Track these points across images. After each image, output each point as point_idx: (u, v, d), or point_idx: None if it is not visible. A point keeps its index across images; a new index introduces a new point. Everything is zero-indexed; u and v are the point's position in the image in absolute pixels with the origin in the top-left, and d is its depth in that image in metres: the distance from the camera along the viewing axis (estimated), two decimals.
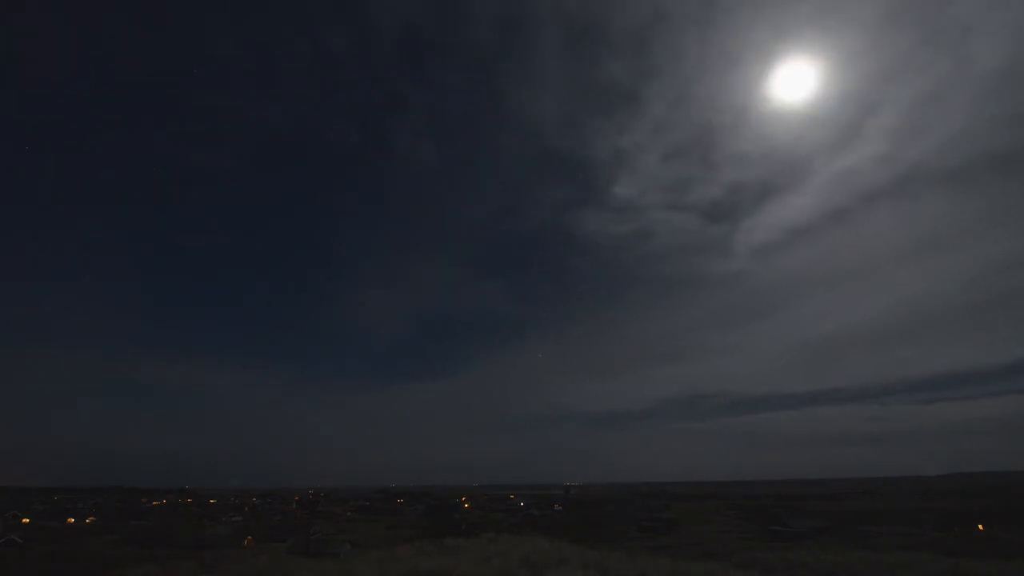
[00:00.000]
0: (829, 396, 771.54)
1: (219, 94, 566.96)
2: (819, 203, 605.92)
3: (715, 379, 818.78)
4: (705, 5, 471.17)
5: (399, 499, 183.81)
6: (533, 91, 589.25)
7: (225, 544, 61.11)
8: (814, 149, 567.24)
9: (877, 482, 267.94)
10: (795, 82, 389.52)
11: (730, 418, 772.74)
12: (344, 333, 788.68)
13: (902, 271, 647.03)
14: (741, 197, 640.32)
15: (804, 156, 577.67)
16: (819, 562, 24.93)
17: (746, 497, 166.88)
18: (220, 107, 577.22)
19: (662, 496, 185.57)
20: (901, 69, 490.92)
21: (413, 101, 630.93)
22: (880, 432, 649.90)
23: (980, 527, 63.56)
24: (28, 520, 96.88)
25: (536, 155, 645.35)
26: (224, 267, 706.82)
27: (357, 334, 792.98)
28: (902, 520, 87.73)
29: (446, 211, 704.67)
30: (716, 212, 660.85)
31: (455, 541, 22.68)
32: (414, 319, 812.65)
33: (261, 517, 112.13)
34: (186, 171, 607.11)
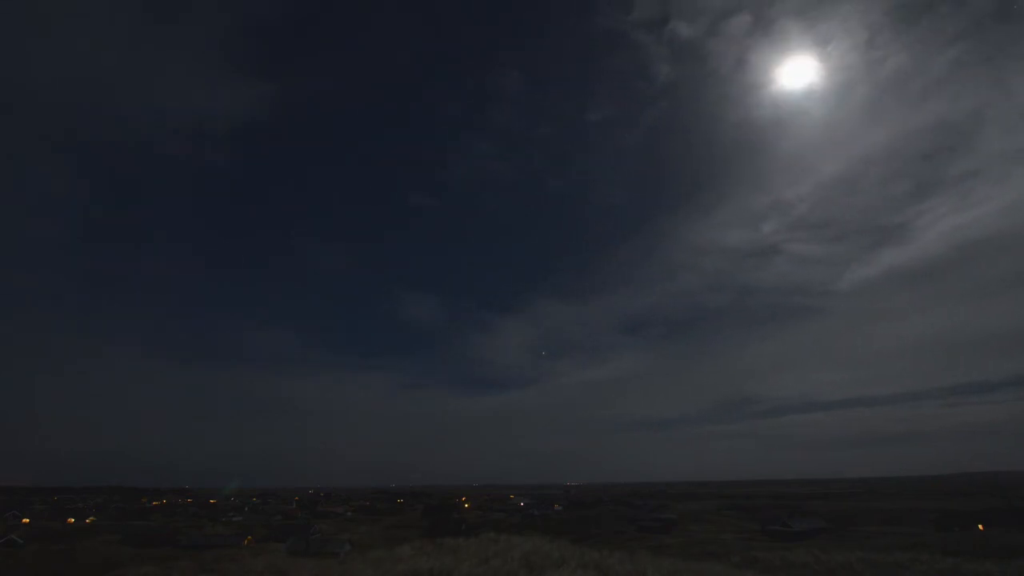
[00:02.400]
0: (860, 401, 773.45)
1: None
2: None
3: (751, 384, 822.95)
4: None
5: (399, 499, 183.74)
6: None
7: (225, 544, 61.09)
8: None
9: (877, 482, 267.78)
10: None
11: (762, 420, 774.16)
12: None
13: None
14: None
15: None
16: (819, 562, 24.93)
17: (746, 497, 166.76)
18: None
19: (662, 496, 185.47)
20: None
21: None
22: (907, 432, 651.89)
23: (980, 527, 63.49)
24: (28, 520, 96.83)
25: None
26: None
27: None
28: (902, 520, 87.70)
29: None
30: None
31: (455, 541, 22.66)
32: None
33: (261, 517, 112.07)
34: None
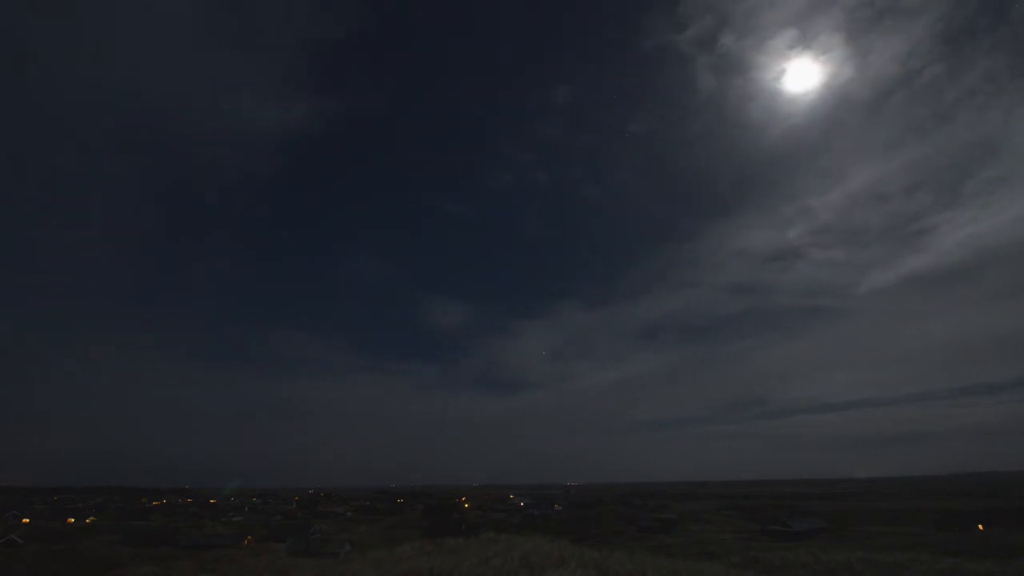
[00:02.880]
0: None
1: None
2: None
3: (764, 386, 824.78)
4: None
5: (399, 499, 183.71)
6: None
7: (225, 544, 61.08)
8: None
9: (877, 482, 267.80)
10: None
11: (769, 421, 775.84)
12: None
13: None
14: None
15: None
16: (819, 562, 24.91)
17: (746, 497, 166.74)
18: None
19: (662, 496, 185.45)
20: None
21: None
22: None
23: (980, 527, 63.48)
24: (28, 520, 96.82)
25: None
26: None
27: None
28: (902, 520, 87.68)
29: None
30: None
31: (455, 541, 22.65)
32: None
33: (261, 517, 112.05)
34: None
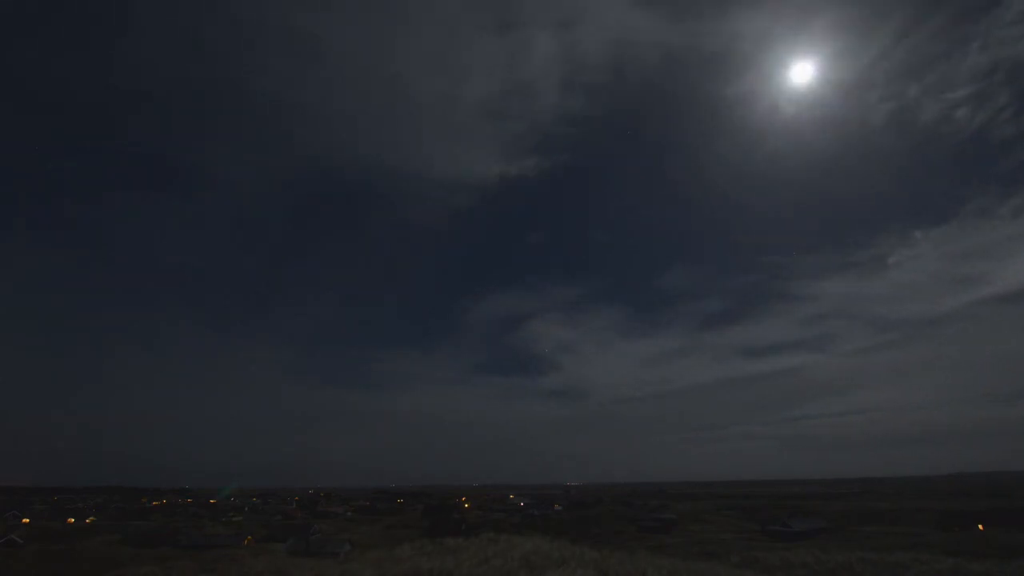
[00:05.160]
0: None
1: None
2: None
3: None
4: None
5: (399, 499, 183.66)
6: None
7: (225, 544, 61.05)
8: None
9: (877, 482, 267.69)
10: None
11: (773, 421, 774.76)
12: None
13: None
14: None
15: None
16: (819, 562, 24.90)
17: (746, 497, 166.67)
18: None
19: (662, 496, 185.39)
20: None
21: None
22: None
23: (980, 527, 63.45)
24: (28, 520, 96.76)
25: None
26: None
27: None
28: (902, 520, 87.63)
29: None
30: None
31: (455, 541, 22.62)
32: None
33: (261, 517, 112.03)
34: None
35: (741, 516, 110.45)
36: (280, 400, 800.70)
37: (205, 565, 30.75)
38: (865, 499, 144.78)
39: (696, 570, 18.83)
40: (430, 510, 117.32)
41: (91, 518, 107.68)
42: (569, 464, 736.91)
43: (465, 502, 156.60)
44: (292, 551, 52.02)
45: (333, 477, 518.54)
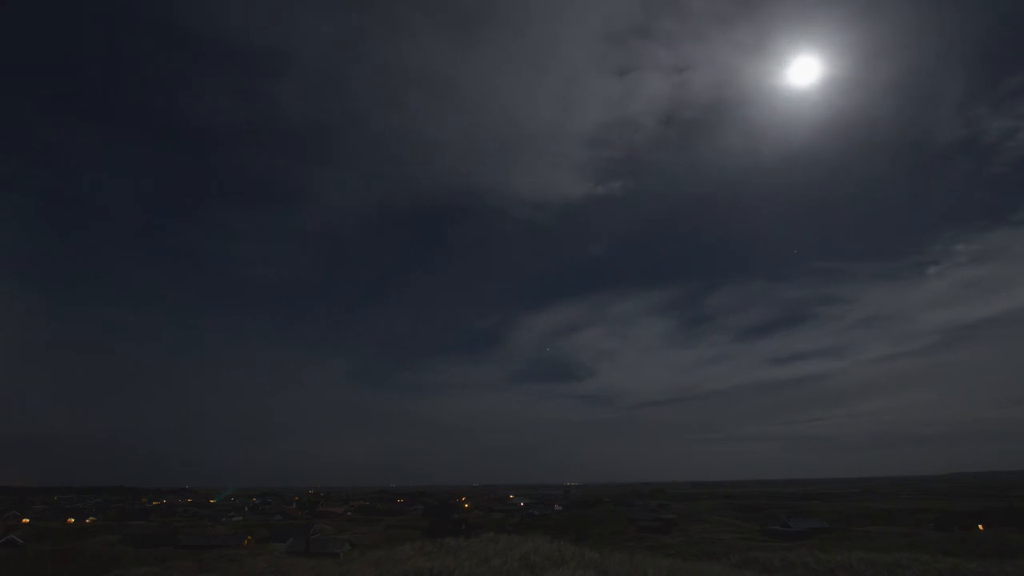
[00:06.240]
0: None
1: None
2: None
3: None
4: None
5: (399, 499, 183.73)
6: None
7: (225, 544, 61.07)
8: None
9: (877, 482, 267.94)
10: None
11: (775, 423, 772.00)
12: None
13: None
14: None
15: None
16: (819, 562, 24.92)
17: (746, 497, 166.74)
18: None
19: (662, 496, 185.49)
20: None
21: None
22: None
23: (980, 527, 63.52)
24: (28, 520, 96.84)
25: None
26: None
27: None
28: (902, 520, 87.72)
29: None
30: None
31: (455, 541, 22.64)
32: None
33: (261, 517, 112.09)
34: None
35: (741, 516, 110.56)
36: (330, 404, 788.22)
37: (205, 565, 30.81)
38: (865, 499, 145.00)
39: (696, 570, 18.88)
40: (430, 510, 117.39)
41: (91, 518, 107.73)
42: (580, 464, 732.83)
43: (465, 502, 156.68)
44: (292, 551, 52.06)
45: (333, 477, 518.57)
